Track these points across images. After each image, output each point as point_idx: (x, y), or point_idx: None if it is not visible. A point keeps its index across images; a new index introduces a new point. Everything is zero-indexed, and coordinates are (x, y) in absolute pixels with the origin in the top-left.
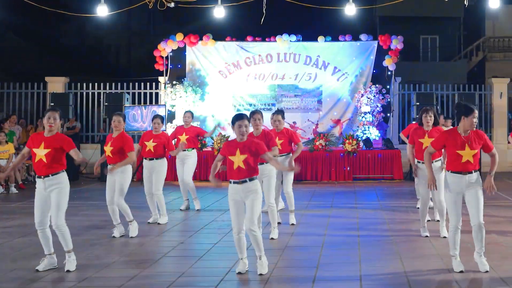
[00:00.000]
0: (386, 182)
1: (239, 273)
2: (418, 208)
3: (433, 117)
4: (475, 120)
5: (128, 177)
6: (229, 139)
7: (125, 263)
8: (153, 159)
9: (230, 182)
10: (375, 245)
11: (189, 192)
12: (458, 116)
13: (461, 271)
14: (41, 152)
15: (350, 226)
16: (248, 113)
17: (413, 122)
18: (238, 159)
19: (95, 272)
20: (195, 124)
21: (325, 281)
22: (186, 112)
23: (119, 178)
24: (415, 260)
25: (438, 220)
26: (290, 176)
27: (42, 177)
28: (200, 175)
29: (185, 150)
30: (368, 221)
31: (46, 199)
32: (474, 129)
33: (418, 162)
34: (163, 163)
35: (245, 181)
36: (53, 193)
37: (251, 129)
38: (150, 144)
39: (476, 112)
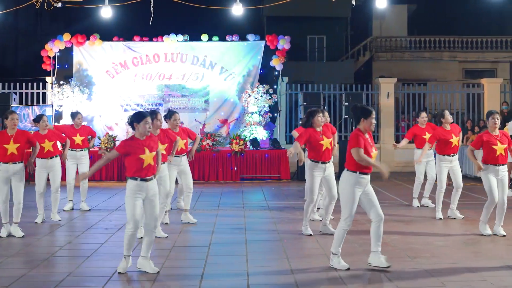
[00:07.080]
0: (273, 182)
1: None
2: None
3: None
4: (374, 121)
5: None
6: (117, 139)
7: (12, 263)
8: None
9: (136, 179)
10: (263, 244)
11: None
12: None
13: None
14: None
15: (237, 226)
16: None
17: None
18: (149, 156)
19: None
20: (84, 123)
21: (212, 279)
22: (78, 113)
23: None
24: (302, 259)
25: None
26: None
27: None
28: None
29: (81, 150)
30: (255, 221)
31: None
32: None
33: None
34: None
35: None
36: None
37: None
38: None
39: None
